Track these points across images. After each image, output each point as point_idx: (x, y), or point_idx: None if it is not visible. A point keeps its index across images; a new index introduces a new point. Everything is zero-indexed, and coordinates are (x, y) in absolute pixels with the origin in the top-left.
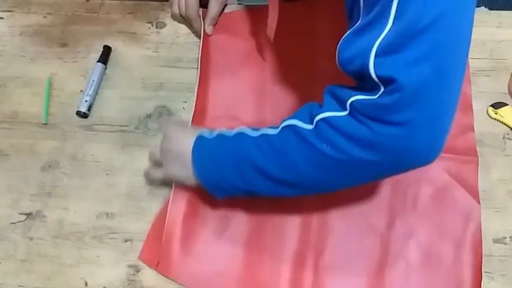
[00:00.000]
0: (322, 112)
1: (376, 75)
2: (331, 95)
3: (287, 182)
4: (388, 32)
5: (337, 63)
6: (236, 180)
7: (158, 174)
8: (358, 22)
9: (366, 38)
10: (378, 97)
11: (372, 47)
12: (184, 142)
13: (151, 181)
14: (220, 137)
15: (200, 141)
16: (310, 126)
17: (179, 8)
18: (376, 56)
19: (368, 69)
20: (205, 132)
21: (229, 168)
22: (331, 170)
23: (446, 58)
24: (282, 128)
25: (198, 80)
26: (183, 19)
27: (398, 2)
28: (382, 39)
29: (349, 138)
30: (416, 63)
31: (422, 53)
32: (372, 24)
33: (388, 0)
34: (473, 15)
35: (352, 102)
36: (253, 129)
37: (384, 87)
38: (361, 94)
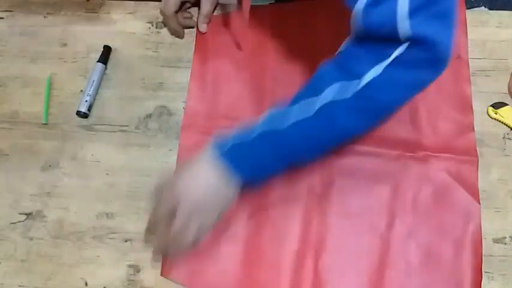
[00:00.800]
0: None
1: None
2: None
3: (335, 147)
4: None
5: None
6: (280, 169)
7: (192, 231)
8: None
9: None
10: (407, 49)
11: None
12: (199, 178)
13: (185, 245)
14: (241, 146)
15: (221, 155)
16: (347, 96)
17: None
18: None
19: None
20: (216, 146)
21: (273, 166)
22: (377, 115)
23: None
24: (318, 109)
25: (189, 80)
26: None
27: None
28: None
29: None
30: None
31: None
32: None
33: None
34: None
35: (392, 60)
36: (276, 119)
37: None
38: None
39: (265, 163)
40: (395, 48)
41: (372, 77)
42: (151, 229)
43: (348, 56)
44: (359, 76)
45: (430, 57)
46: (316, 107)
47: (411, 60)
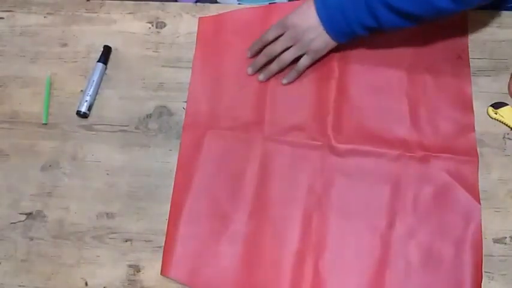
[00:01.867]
0: None
1: None
2: None
3: (415, 16)
4: None
5: None
6: (368, 22)
7: (305, 61)
8: None
9: None
10: None
11: None
12: (308, 16)
13: (301, 70)
14: None
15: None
16: None
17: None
18: None
19: None
20: None
21: (363, 14)
22: None
23: None
24: None
25: (190, 80)
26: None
27: None
28: None
29: None
30: None
31: None
32: None
33: None
34: None
35: None
36: None
37: None
38: None
39: (354, 13)
40: None
41: None
42: (256, 46)
43: None
44: None
45: None
46: None
47: None
